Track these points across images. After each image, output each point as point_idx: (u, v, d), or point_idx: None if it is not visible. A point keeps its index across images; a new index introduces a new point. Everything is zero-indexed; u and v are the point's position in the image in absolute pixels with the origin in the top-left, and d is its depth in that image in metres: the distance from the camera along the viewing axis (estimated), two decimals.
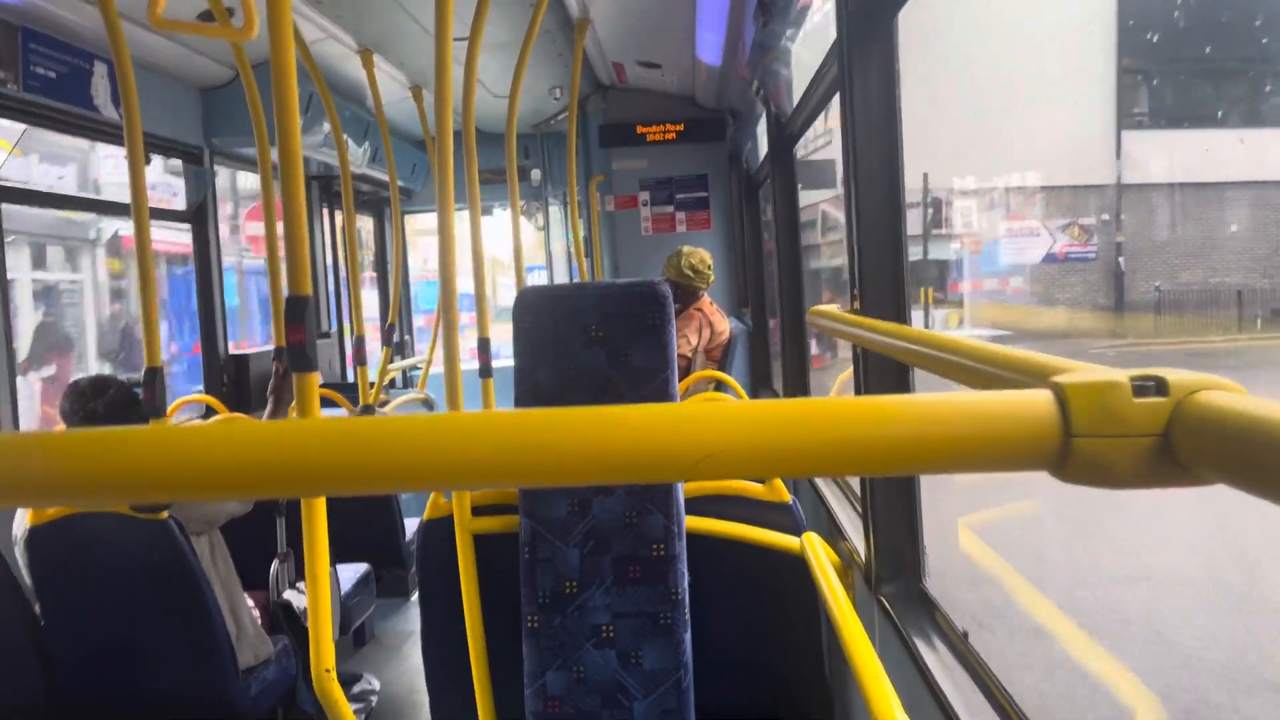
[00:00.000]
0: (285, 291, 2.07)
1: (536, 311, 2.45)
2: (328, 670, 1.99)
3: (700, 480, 0.59)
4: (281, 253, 3.76)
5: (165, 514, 2.83)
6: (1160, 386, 0.56)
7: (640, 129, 6.65)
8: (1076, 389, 0.56)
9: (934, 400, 0.58)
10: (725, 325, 5.21)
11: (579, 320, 2.43)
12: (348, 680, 4.03)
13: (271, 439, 0.59)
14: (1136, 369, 0.57)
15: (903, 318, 1.94)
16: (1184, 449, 0.54)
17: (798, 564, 2.44)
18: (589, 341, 2.43)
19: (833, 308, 2.06)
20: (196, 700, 3.00)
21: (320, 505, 1.98)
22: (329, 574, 2.02)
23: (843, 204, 2.16)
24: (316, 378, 1.98)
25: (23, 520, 3.00)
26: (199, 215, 4.87)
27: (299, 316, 1.93)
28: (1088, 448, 0.55)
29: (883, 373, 2.03)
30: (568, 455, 0.57)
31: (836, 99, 2.27)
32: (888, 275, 1.95)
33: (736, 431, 0.57)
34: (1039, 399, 0.57)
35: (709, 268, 5.06)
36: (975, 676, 1.59)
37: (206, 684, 2.98)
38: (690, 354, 5.02)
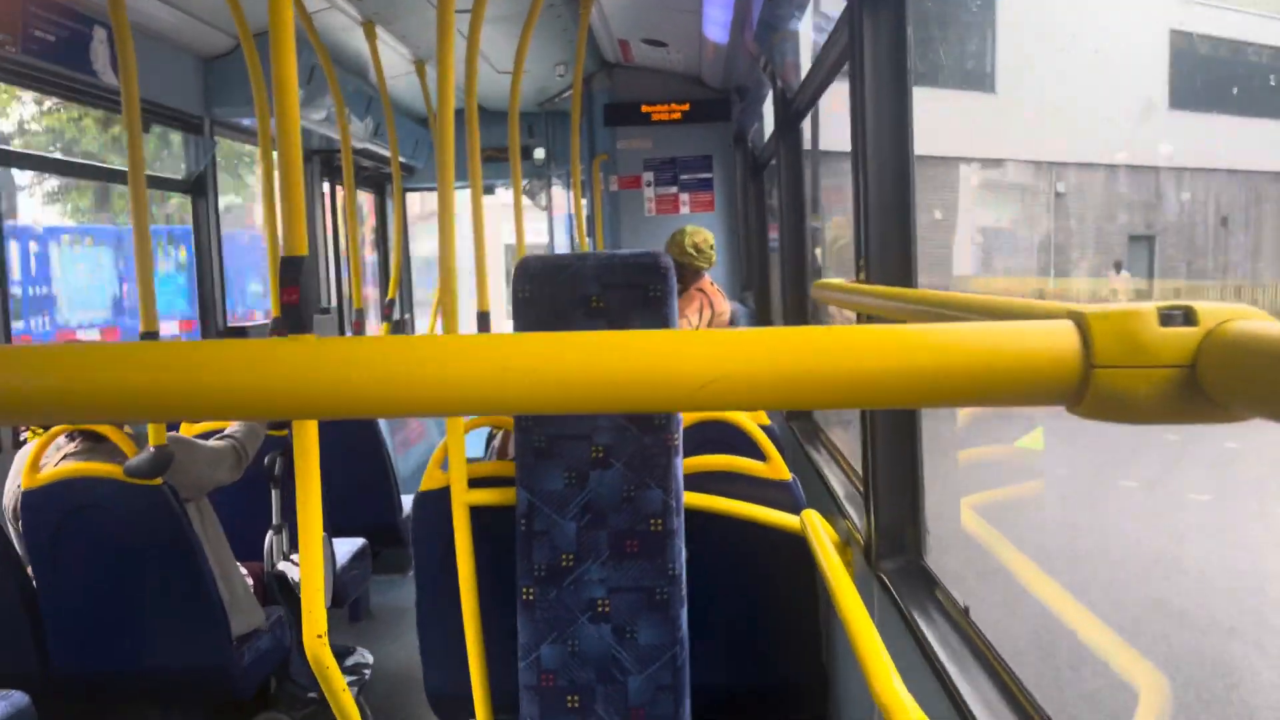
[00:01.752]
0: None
1: (537, 280, 2.42)
2: (320, 635, 1.97)
3: (701, 409, 0.56)
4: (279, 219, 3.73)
5: (160, 480, 2.81)
6: (1189, 316, 0.53)
7: (645, 108, 6.60)
8: (1099, 317, 0.53)
9: (948, 329, 0.56)
10: (726, 306, 5.18)
11: (580, 290, 2.40)
12: (341, 654, 4.01)
13: (263, 357, 0.57)
14: (1165, 301, 0.54)
15: (910, 287, 1.91)
16: (1213, 380, 0.51)
17: (796, 542, 2.41)
18: (590, 312, 2.40)
19: (837, 280, 2.03)
20: (190, 668, 2.99)
21: (313, 467, 1.96)
22: (322, 539, 2.00)
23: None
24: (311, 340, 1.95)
25: (13, 487, 2.98)
26: (198, 185, 4.83)
27: (294, 277, 1.91)
28: (1109, 379, 0.52)
29: None
30: (566, 379, 0.54)
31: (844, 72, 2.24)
32: (895, 246, 1.92)
33: (743, 357, 0.54)
34: (1059, 328, 0.54)
35: (711, 248, 5.03)
36: (976, 652, 1.57)
37: (200, 651, 2.96)
38: None
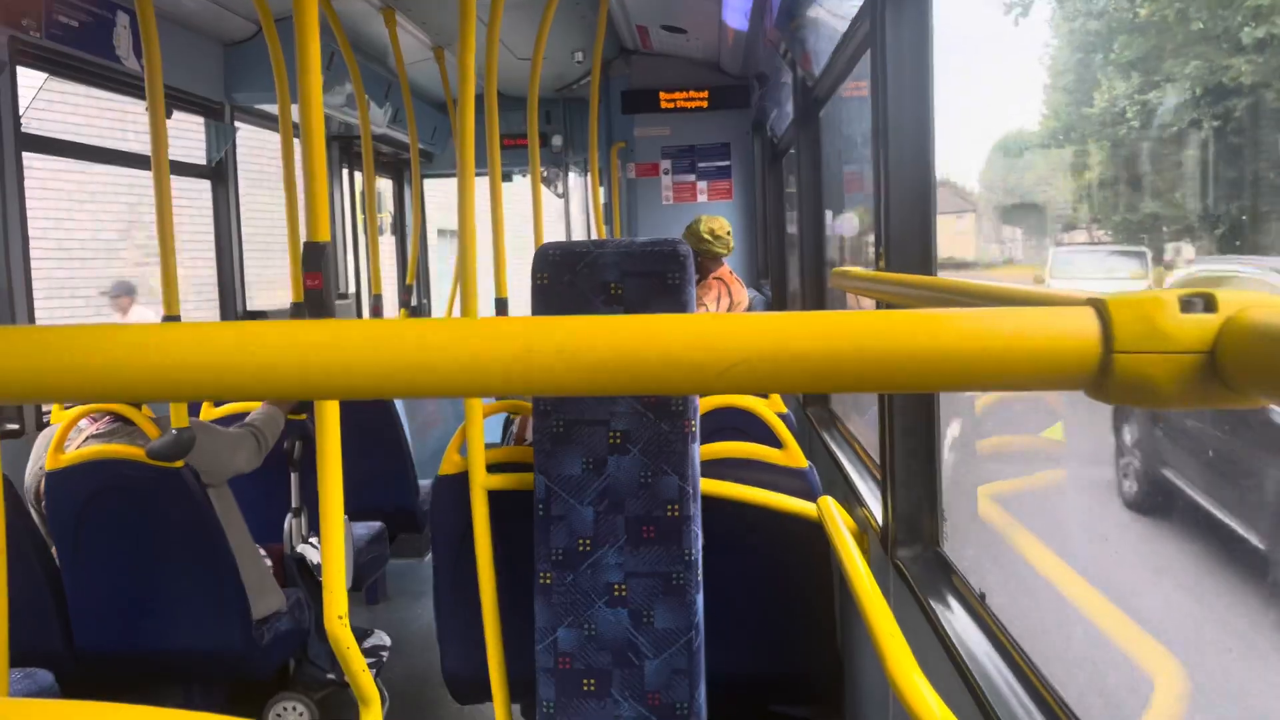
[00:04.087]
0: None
1: (556, 268, 2.43)
2: (340, 616, 1.99)
3: (725, 392, 0.57)
4: (300, 205, 3.75)
5: (181, 463, 2.84)
6: (1208, 303, 0.53)
7: (663, 95, 6.58)
8: (1120, 304, 0.54)
9: (971, 314, 0.56)
10: (744, 295, 5.18)
11: (598, 278, 2.40)
12: (359, 636, 4.05)
13: (288, 338, 0.58)
14: (1185, 288, 0.55)
15: (930, 275, 1.91)
16: (1231, 367, 0.51)
17: (812, 529, 2.42)
18: (608, 299, 2.41)
19: (856, 268, 2.03)
20: (211, 649, 3.03)
21: (335, 450, 1.98)
22: (343, 521, 2.02)
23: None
24: None
25: (36, 468, 3.02)
26: (218, 171, 4.86)
27: (316, 263, 1.93)
28: (1130, 364, 0.53)
29: None
30: (592, 361, 0.55)
31: (865, 60, 2.23)
32: (915, 234, 1.91)
33: (766, 341, 0.55)
34: (1079, 314, 0.55)
35: (729, 235, 5.03)
36: (994, 639, 1.57)
37: (220, 633, 3.00)
38: None
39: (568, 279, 2.42)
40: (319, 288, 1.91)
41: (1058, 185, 3.14)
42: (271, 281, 9.79)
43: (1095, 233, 2.99)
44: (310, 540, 3.58)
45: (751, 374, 0.55)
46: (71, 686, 2.86)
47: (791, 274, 5.03)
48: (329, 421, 1.97)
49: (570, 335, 0.56)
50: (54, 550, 3.00)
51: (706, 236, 4.91)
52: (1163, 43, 2.32)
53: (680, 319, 0.56)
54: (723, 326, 0.56)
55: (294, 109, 3.62)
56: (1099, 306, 0.55)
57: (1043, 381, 0.55)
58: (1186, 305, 0.53)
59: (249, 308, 5.12)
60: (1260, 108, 1.88)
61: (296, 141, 3.87)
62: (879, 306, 2.09)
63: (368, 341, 0.57)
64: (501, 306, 3.54)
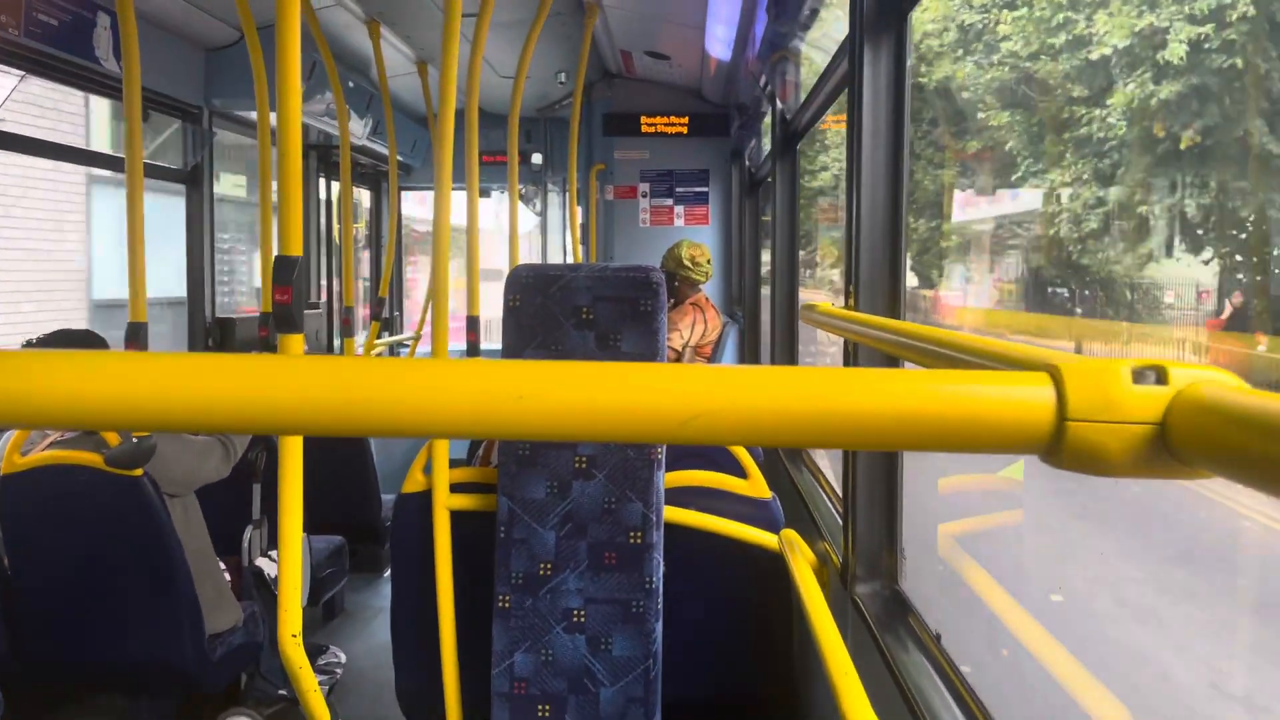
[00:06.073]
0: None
1: (528, 290, 2.43)
2: (294, 635, 1.97)
3: (688, 442, 0.57)
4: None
5: (140, 471, 2.80)
6: (1160, 375, 0.54)
7: (644, 119, 6.63)
8: (1073, 371, 0.55)
9: (927, 376, 0.57)
10: (719, 322, 5.21)
11: (570, 302, 2.41)
12: (314, 651, 4.00)
13: (255, 373, 0.57)
14: (1138, 359, 0.56)
15: (897, 316, 1.93)
16: (1180, 439, 0.53)
17: (773, 561, 2.43)
18: (580, 324, 2.41)
19: (825, 304, 2.05)
20: (160, 662, 2.97)
21: (296, 468, 1.97)
22: (301, 539, 2.00)
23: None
24: (301, 340, 1.96)
25: None
26: (194, 176, 4.83)
27: (287, 277, 1.92)
28: (1082, 433, 0.54)
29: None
30: (555, 408, 0.56)
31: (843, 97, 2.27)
32: (884, 273, 1.93)
33: (729, 393, 0.55)
34: (1034, 381, 0.56)
35: (709, 262, 5.05)
36: (946, 679, 1.58)
37: (171, 646, 2.95)
38: (680, 348, 5.01)
39: (539, 301, 2.42)
40: (288, 303, 1.90)
41: None
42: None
43: None
44: (269, 554, 3.54)
45: (711, 426, 0.55)
46: (17, 695, 2.80)
47: (764, 302, 5.07)
48: (291, 444, 1.96)
49: (534, 381, 0.56)
50: (4, 557, 2.94)
51: (687, 263, 4.93)
52: None
53: (645, 368, 0.57)
54: (684, 377, 0.56)
55: (273, 117, 3.61)
56: (1054, 373, 0.56)
57: (998, 446, 0.56)
58: (1139, 376, 0.54)
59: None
60: None
61: (274, 150, 3.85)
62: (846, 344, 2.11)
63: (320, 379, 0.57)
64: (473, 324, 3.53)
